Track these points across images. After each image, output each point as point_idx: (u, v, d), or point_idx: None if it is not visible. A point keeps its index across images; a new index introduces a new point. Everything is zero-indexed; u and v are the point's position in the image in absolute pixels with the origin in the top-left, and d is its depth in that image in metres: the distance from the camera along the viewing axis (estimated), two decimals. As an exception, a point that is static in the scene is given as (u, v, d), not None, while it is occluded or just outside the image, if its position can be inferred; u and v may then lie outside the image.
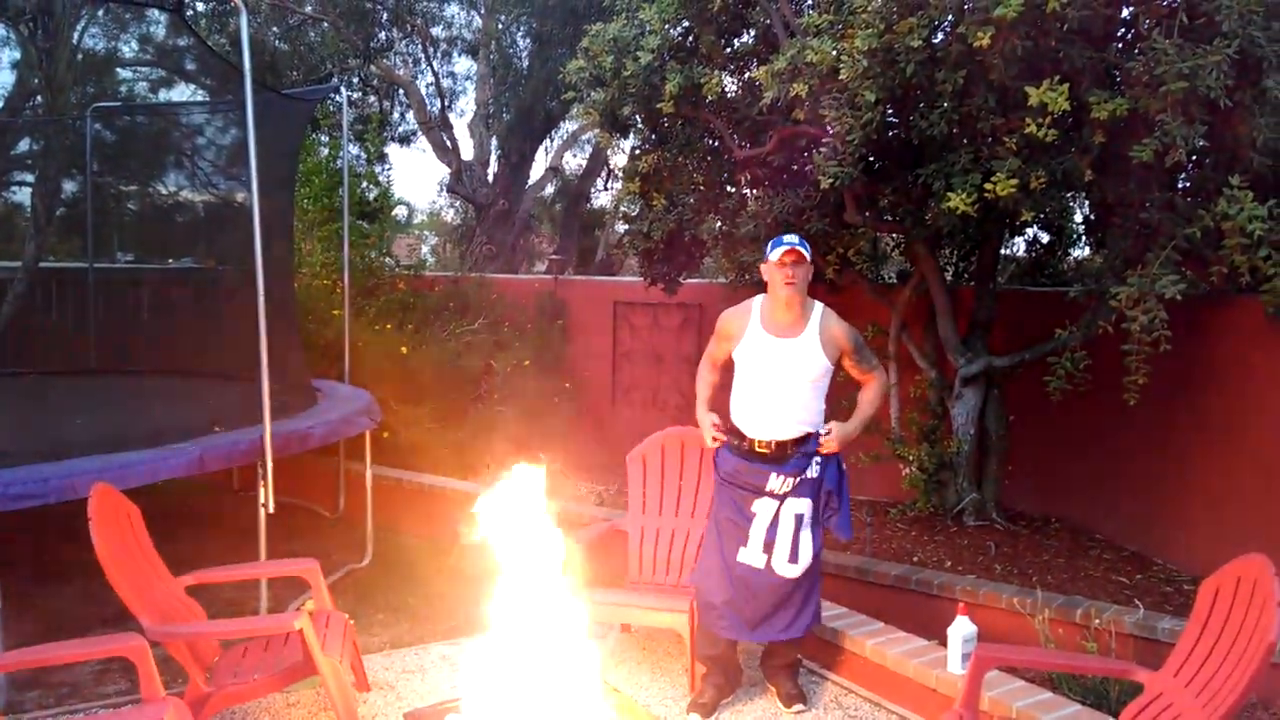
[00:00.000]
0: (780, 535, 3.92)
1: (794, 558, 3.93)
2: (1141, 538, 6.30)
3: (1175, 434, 6.04)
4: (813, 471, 3.94)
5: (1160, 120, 4.48)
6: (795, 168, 6.32)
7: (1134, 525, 6.39)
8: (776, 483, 3.91)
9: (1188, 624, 2.99)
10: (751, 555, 3.94)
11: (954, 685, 3.73)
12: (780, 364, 3.91)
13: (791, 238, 3.90)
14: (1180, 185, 5.47)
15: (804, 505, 3.94)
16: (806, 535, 3.94)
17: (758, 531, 3.93)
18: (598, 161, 16.28)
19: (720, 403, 4.17)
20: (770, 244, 3.93)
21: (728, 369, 4.17)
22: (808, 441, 3.93)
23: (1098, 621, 4.81)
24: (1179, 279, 4.77)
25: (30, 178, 9.86)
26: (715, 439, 4.05)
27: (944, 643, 3.98)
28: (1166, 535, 6.11)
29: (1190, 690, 2.81)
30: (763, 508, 3.94)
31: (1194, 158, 5.20)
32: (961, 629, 3.86)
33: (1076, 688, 4.20)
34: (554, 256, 11.76)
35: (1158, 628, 4.70)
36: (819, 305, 4.00)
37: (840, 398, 4.27)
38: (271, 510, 4.61)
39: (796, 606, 4.00)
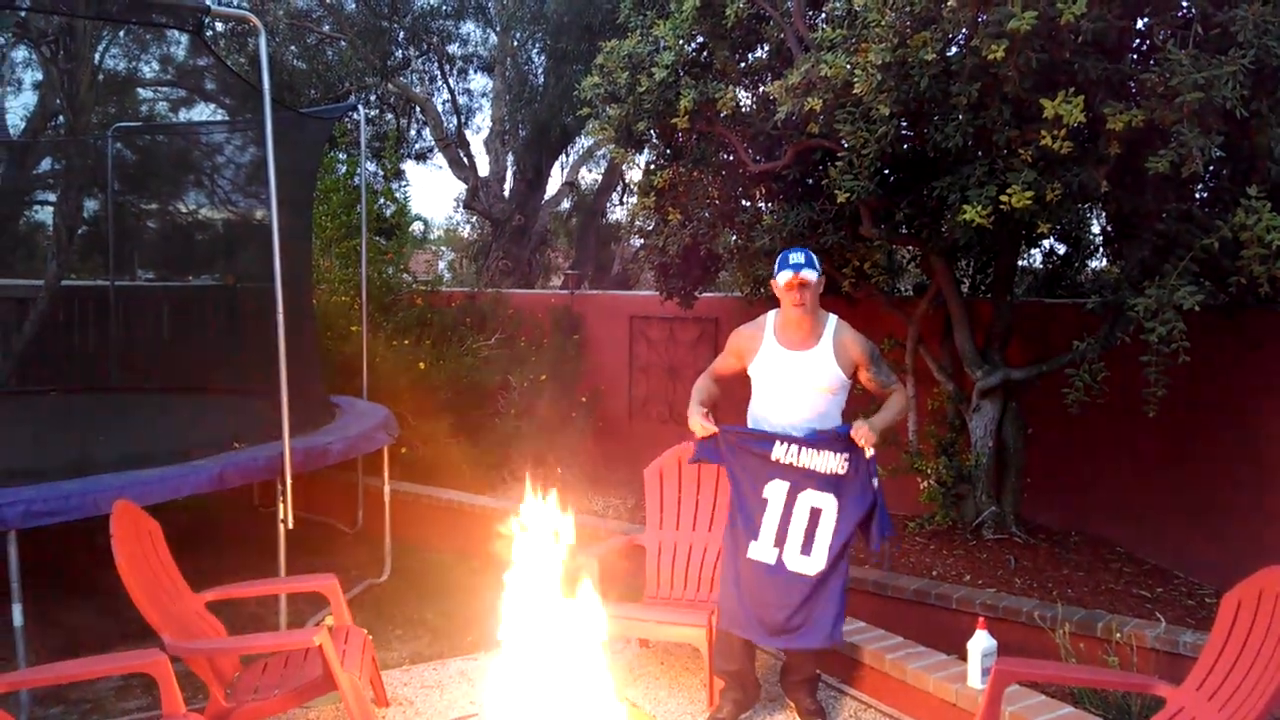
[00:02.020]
0: (794, 526, 3.85)
1: (807, 550, 3.84)
2: (1162, 550, 6.26)
3: (1195, 445, 6.01)
4: (837, 465, 3.83)
5: (1176, 131, 4.47)
6: (810, 181, 6.33)
7: (1155, 538, 6.34)
8: (781, 450, 3.86)
9: (1210, 638, 2.97)
10: (762, 549, 3.88)
11: (974, 700, 3.71)
12: (795, 376, 3.91)
13: (797, 257, 3.85)
14: (1197, 196, 5.46)
15: (825, 501, 3.84)
16: (825, 532, 3.84)
17: (770, 521, 3.87)
18: (613, 177, 16.33)
19: (734, 417, 4.17)
20: (777, 263, 3.92)
21: (728, 384, 4.16)
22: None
23: (1119, 635, 4.77)
24: (1197, 290, 4.75)
25: (52, 197, 9.97)
26: (704, 428, 3.94)
27: (964, 657, 3.95)
28: (1188, 548, 6.07)
29: (1213, 704, 2.79)
30: (774, 493, 3.87)
31: (1211, 168, 5.19)
32: (981, 643, 3.84)
33: (1098, 702, 4.17)
34: (570, 271, 11.79)
35: (1180, 642, 4.67)
36: (833, 318, 4.00)
37: (858, 410, 4.25)
38: (291, 526, 4.64)
39: (814, 612, 3.89)
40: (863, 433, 3.78)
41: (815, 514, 3.86)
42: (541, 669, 3.24)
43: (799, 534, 3.86)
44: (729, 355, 4.13)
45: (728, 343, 4.16)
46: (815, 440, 3.87)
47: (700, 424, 3.96)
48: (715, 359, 4.24)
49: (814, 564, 3.86)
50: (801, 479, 3.87)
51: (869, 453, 3.83)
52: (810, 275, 3.83)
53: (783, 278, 3.85)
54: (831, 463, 3.86)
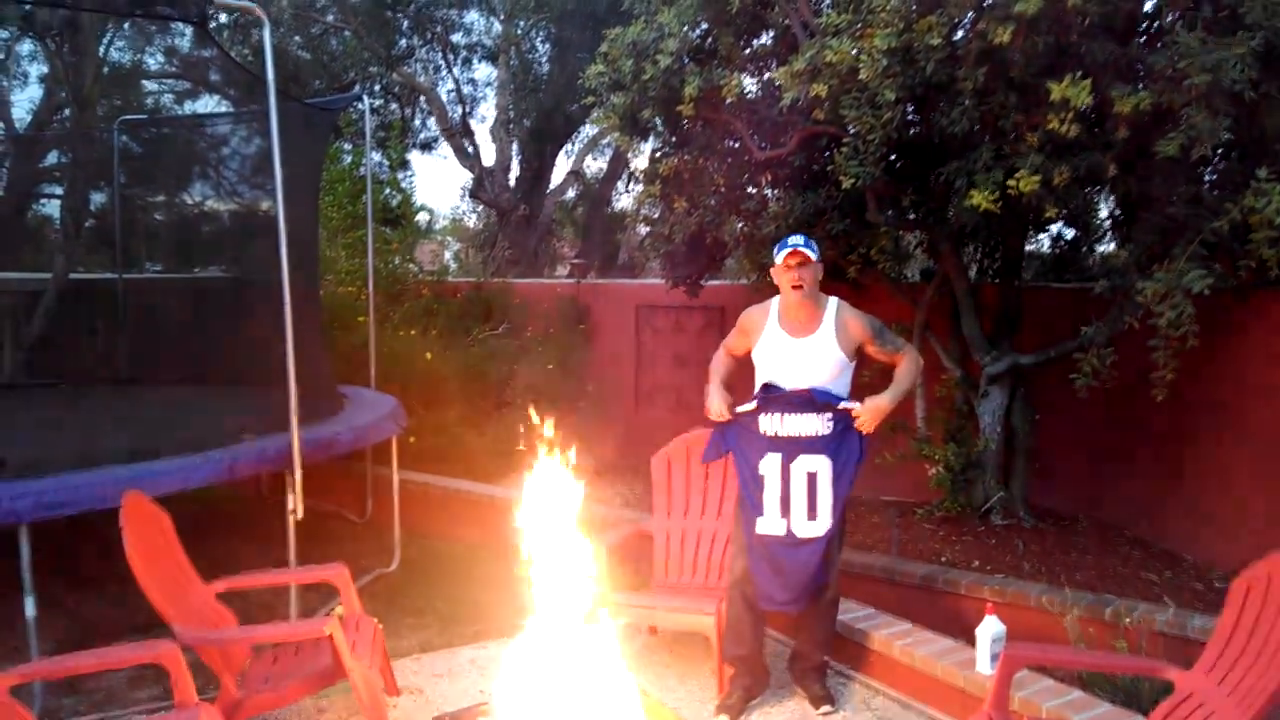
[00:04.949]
0: (795, 494, 3.88)
1: (813, 514, 3.88)
2: (1171, 535, 6.25)
3: (1204, 430, 5.99)
4: (821, 426, 3.87)
5: (1185, 114, 4.45)
6: (816, 168, 6.32)
7: (1163, 522, 6.33)
8: (766, 422, 3.90)
9: (1219, 622, 2.97)
10: (769, 523, 3.92)
11: (983, 685, 3.72)
12: (798, 361, 3.91)
13: (796, 238, 3.89)
14: (1206, 179, 5.43)
15: (818, 463, 3.88)
16: (825, 494, 3.88)
17: (771, 495, 3.91)
18: (618, 165, 16.30)
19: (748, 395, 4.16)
20: (777, 247, 3.94)
21: (742, 364, 4.17)
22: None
23: (1128, 620, 4.77)
24: (1206, 273, 4.73)
25: (59, 190, 9.99)
26: (723, 414, 3.99)
27: (972, 643, 3.96)
28: (1196, 532, 6.05)
29: (1223, 689, 2.78)
30: (769, 467, 3.91)
31: (1219, 151, 5.16)
32: (990, 628, 3.84)
33: (1107, 687, 4.17)
34: (576, 260, 11.78)
35: (1189, 626, 4.66)
36: (834, 300, 4.00)
37: (866, 393, 4.23)
38: (300, 516, 4.65)
39: (818, 576, 3.96)
40: (867, 425, 3.86)
41: (812, 479, 3.89)
42: (553, 657, 3.25)
43: (801, 501, 3.89)
44: (739, 333, 4.14)
45: (738, 322, 4.16)
46: (798, 404, 3.90)
47: (720, 408, 4.00)
48: (726, 338, 4.24)
49: (821, 526, 3.90)
50: (792, 447, 3.90)
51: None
52: (809, 252, 3.83)
53: (780, 256, 3.87)
54: (815, 424, 3.89)
